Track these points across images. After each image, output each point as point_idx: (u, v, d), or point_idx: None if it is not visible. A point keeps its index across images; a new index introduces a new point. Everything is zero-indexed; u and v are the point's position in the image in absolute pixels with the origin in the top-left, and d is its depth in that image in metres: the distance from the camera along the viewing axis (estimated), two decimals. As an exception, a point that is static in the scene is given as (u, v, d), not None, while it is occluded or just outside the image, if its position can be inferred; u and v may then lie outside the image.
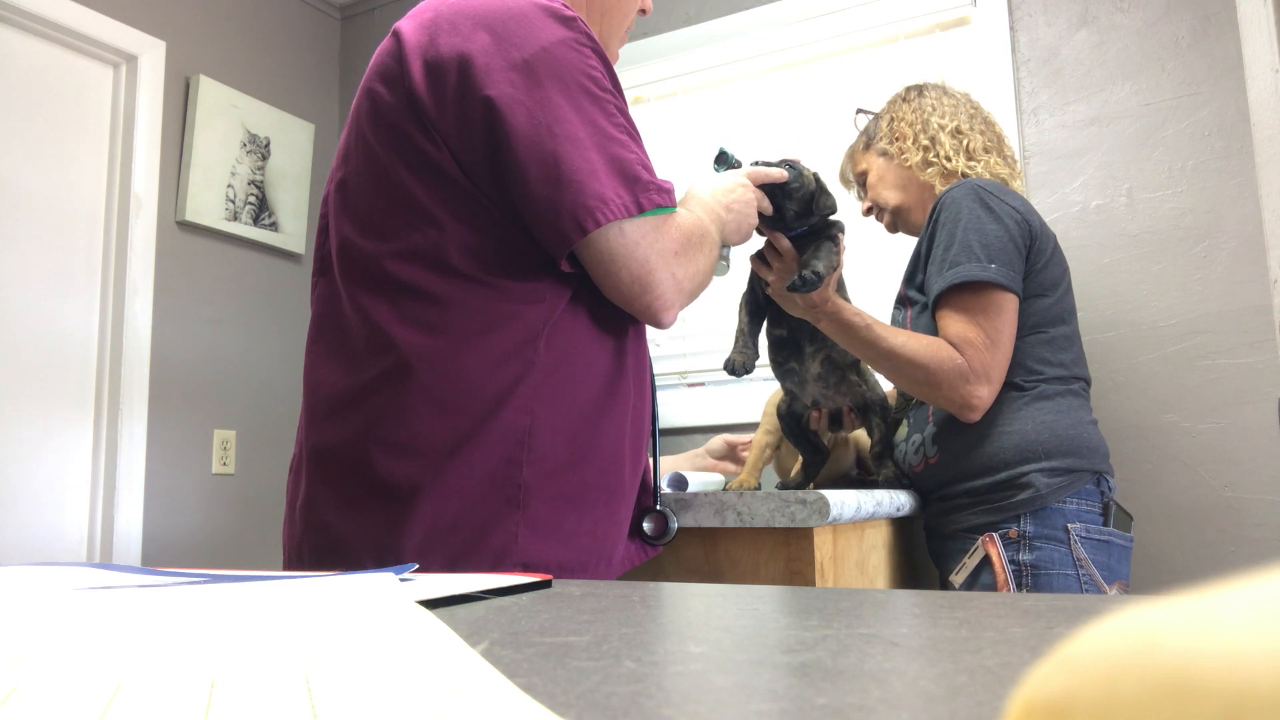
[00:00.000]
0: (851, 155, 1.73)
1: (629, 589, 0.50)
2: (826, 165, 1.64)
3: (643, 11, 1.20)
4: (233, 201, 2.73)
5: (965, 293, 1.38)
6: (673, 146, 2.50)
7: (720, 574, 1.19)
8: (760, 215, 1.21)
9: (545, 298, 0.95)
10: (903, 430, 1.56)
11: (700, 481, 1.51)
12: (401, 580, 0.53)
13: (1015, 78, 2.07)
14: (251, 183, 2.78)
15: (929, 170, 1.56)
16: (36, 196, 2.36)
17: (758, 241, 1.30)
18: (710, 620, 0.39)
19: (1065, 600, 0.41)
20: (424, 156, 0.94)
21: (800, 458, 1.56)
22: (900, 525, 1.56)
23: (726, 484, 1.56)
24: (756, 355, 1.37)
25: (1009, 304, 1.39)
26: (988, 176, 1.52)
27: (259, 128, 2.81)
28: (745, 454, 1.72)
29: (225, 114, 2.72)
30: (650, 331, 1.73)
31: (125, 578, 0.56)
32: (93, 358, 2.46)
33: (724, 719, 0.22)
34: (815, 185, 1.26)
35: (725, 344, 1.98)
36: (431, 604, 0.42)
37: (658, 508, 1.09)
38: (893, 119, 1.63)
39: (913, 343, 1.36)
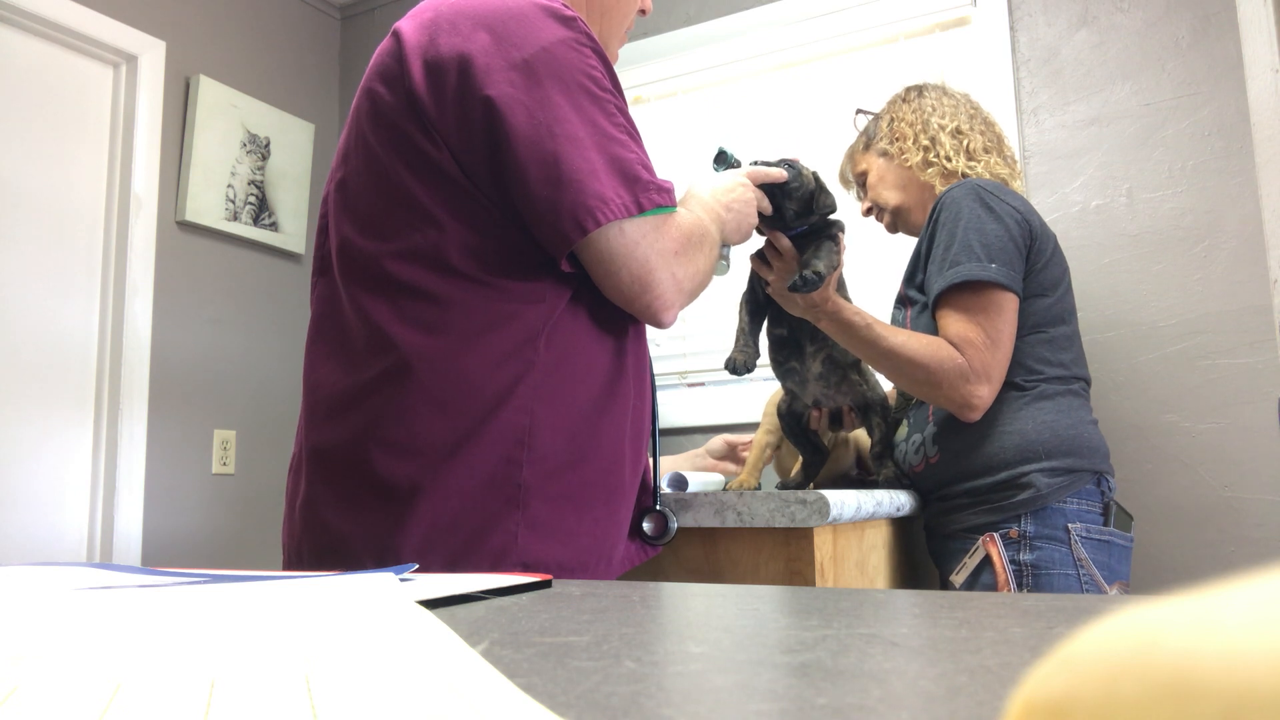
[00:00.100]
0: (851, 155, 1.73)
1: (629, 589, 0.50)
2: (826, 165, 1.64)
3: (642, 12, 1.20)
4: (233, 201, 2.73)
5: (965, 292, 1.39)
6: (673, 146, 2.50)
7: (720, 574, 1.19)
8: (760, 215, 1.21)
9: (545, 298, 0.95)
10: (903, 430, 1.56)
11: (700, 481, 1.51)
12: (401, 580, 0.53)
13: (1015, 78, 2.08)
14: (251, 183, 2.78)
15: (929, 170, 1.56)
16: (36, 196, 2.36)
17: (758, 241, 1.30)
18: (710, 620, 0.39)
19: (1065, 600, 0.41)
20: (424, 156, 0.94)
21: (800, 458, 1.56)
22: (900, 525, 1.56)
23: (726, 484, 1.56)
24: (757, 354, 1.37)
25: (1009, 303, 1.39)
26: (988, 176, 1.52)
27: (259, 128, 2.81)
28: (745, 454, 1.72)
29: (225, 114, 2.72)
30: (650, 331, 1.73)
31: (125, 578, 0.56)
32: (93, 358, 2.46)
33: (724, 719, 0.22)
34: (814, 184, 1.26)
35: (725, 344, 1.98)
36: (431, 604, 0.42)
37: (658, 508, 1.09)
38: (893, 119, 1.63)
39: (913, 342, 1.36)
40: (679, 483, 1.43)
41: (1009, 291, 1.38)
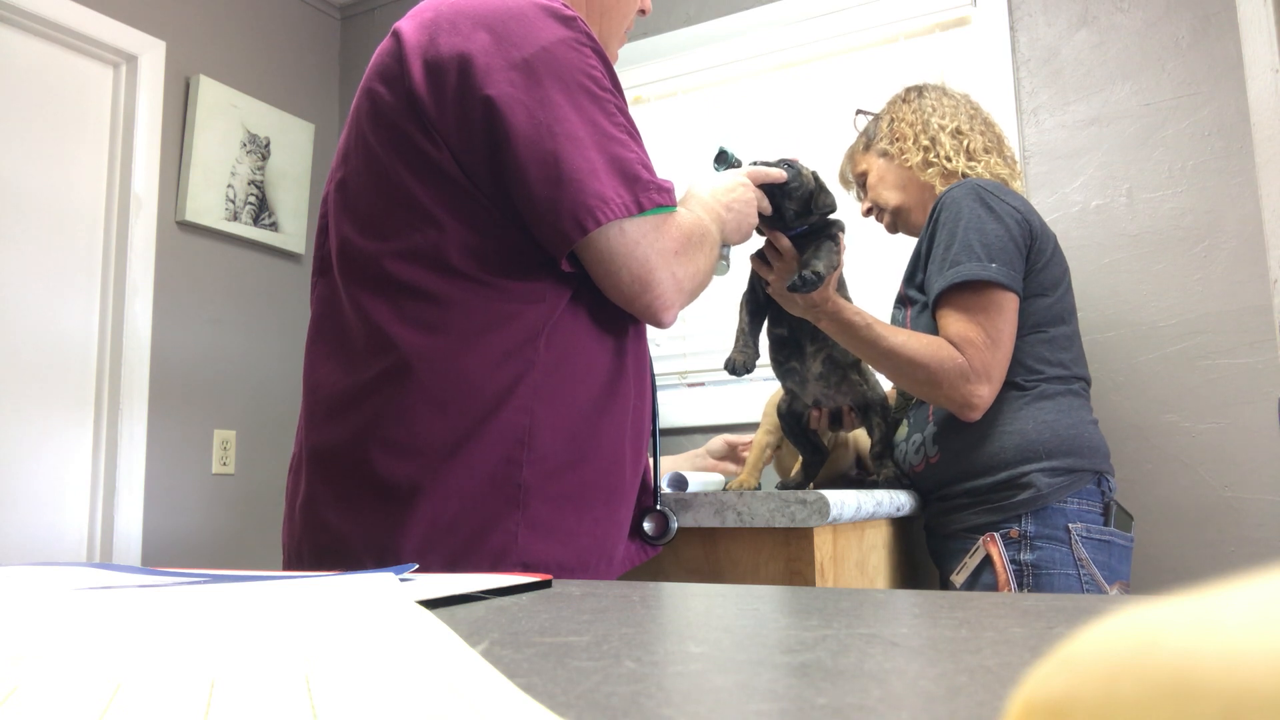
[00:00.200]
0: (851, 156, 1.73)
1: (629, 589, 0.50)
2: (826, 165, 1.64)
3: (642, 12, 1.20)
4: (233, 201, 2.73)
5: (966, 292, 1.39)
6: (673, 146, 2.50)
7: (720, 574, 1.19)
8: (760, 215, 1.21)
9: (545, 297, 0.95)
10: (903, 430, 1.56)
11: (700, 481, 1.51)
12: (401, 580, 0.53)
13: (1015, 78, 2.08)
14: (251, 183, 2.78)
15: (929, 171, 1.56)
16: (36, 196, 2.36)
17: (758, 241, 1.30)
18: (710, 620, 0.39)
19: (1065, 600, 0.41)
20: (424, 156, 0.94)
21: (800, 458, 1.56)
22: (900, 525, 1.56)
23: (726, 484, 1.56)
24: (757, 354, 1.37)
25: (1009, 303, 1.39)
26: (988, 177, 1.52)
27: (259, 128, 2.81)
28: (745, 454, 1.72)
29: (225, 114, 2.72)
30: (650, 331, 1.73)
31: (125, 578, 0.56)
32: (93, 358, 2.46)
33: (724, 719, 0.22)
34: (814, 184, 1.26)
35: (725, 344, 1.98)
36: (431, 604, 0.42)
37: (658, 508, 1.09)
38: (893, 119, 1.63)
39: (913, 342, 1.36)
40: (679, 483, 1.43)
41: (1009, 291, 1.38)
